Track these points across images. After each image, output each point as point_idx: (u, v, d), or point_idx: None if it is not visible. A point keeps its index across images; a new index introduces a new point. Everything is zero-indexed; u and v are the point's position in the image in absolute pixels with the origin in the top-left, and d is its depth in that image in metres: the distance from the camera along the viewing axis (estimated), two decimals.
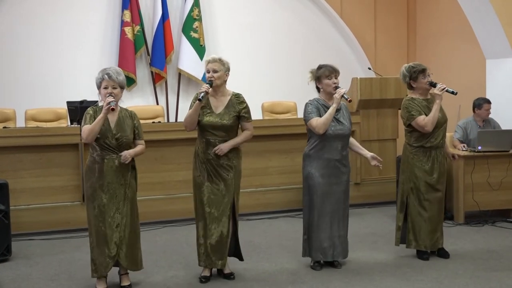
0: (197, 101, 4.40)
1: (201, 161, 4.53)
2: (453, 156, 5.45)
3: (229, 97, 4.59)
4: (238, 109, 4.57)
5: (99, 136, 4.21)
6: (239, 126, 4.64)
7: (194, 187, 4.60)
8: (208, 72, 4.50)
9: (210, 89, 4.44)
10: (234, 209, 4.65)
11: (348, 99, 4.69)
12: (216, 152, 4.46)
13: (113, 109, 4.17)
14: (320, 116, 4.69)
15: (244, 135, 4.62)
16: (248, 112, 4.64)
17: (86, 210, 4.38)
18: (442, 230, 5.15)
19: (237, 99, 4.61)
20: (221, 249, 4.56)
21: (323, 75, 4.74)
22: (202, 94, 4.37)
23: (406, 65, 5.08)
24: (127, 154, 4.27)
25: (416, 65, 5.04)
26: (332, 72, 4.74)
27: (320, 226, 4.79)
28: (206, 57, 8.16)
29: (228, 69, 4.55)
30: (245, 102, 4.63)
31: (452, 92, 4.92)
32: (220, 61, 4.51)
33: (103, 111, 4.16)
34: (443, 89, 4.88)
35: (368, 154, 4.90)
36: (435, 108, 4.88)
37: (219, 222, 4.53)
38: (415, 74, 4.98)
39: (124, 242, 4.37)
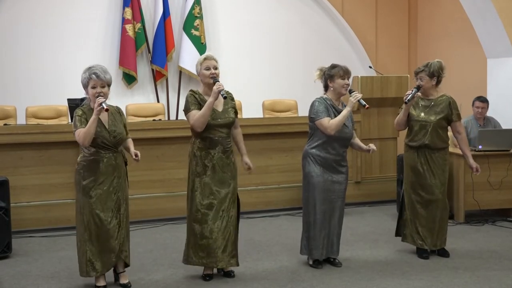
0: (211, 100, 4.35)
1: (204, 160, 4.50)
2: (477, 170, 5.20)
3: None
4: (233, 104, 4.63)
5: (95, 137, 4.16)
6: None
7: (196, 187, 4.53)
8: (208, 69, 4.48)
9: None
10: (239, 207, 4.66)
11: (366, 106, 4.70)
12: (251, 171, 4.68)
13: (107, 110, 4.13)
14: (329, 116, 4.71)
15: (242, 137, 4.71)
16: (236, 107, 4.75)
17: (81, 210, 4.27)
18: (440, 231, 5.15)
19: (229, 95, 4.63)
20: (232, 247, 4.57)
21: (338, 74, 4.76)
22: (223, 91, 4.35)
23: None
24: (138, 153, 4.35)
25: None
26: (346, 73, 4.78)
27: (320, 224, 4.79)
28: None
29: None
30: (234, 98, 4.69)
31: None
32: (216, 59, 4.53)
33: (95, 112, 4.08)
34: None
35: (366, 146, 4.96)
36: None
37: (227, 220, 4.53)
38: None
39: (125, 238, 4.38)
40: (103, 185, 4.26)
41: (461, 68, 8.30)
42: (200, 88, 4.59)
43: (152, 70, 8.36)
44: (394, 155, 7.30)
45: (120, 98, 7.85)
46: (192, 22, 8.31)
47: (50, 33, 7.94)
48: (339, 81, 4.75)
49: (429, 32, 9.26)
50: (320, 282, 4.55)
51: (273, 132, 6.92)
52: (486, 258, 5.11)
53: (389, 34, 9.42)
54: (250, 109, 7.52)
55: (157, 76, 8.35)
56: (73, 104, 6.49)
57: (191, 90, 4.59)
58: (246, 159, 4.70)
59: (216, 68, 4.49)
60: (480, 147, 6.35)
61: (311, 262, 4.91)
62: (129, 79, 8.22)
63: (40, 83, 7.87)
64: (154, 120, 7.08)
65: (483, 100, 6.82)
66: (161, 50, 8.21)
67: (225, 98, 4.38)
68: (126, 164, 4.45)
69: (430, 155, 5.06)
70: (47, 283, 4.58)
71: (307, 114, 4.90)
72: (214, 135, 4.49)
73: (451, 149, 5.97)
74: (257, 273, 4.77)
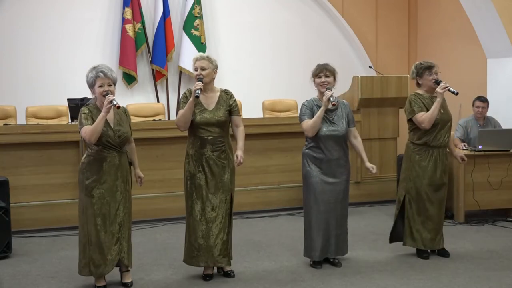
0: (189, 99, 4.38)
1: (196, 159, 4.50)
2: (462, 159, 5.33)
3: (218, 94, 4.60)
4: (229, 104, 4.60)
5: (100, 135, 4.15)
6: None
7: (190, 187, 4.53)
8: (196, 70, 4.48)
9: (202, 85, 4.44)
10: (231, 207, 4.63)
11: (332, 103, 4.58)
12: (240, 164, 4.55)
13: (118, 107, 4.15)
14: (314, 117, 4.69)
15: (242, 135, 4.65)
16: (237, 106, 4.68)
17: (84, 210, 4.27)
18: (441, 230, 5.14)
19: (227, 94, 4.63)
20: (224, 246, 4.55)
21: (313, 74, 4.76)
22: (198, 91, 4.35)
23: (416, 62, 5.12)
24: (142, 178, 4.52)
25: (424, 62, 5.04)
26: (321, 70, 4.72)
27: (316, 225, 4.77)
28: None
29: (216, 67, 4.53)
30: (234, 97, 4.65)
31: (453, 92, 4.90)
32: (208, 58, 4.50)
33: (105, 109, 4.09)
34: (445, 87, 4.86)
35: (366, 162, 4.87)
36: (434, 106, 4.86)
37: (220, 220, 4.51)
38: (421, 71, 4.99)
39: (125, 239, 4.37)
40: (106, 185, 4.24)
41: (461, 68, 8.29)
42: None
43: (152, 70, 8.36)
44: (394, 155, 7.29)
45: (120, 98, 7.79)
46: (192, 22, 8.32)
47: (50, 33, 7.95)
48: (316, 80, 4.74)
49: (429, 32, 9.26)
50: (320, 282, 4.55)
51: (273, 132, 6.92)
52: (486, 258, 5.11)
53: (389, 34, 9.43)
54: (250, 109, 7.52)
55: (157, 76, 8.36)
56: (73, 104, 6.50)
57: (187, 89, 4.61)
58: (238, 151, 4.57)
59: (204, 69, 4.46)
60: (480, 147, 6.35)
61: (311, 262, 4.90)
62: (129, 79, 8.23)
63: (40, 83, 7.88)
64: (154, 120, 7.08)
65: (483, 100, 6.82)
66: (161, 50, 8.21)
67: (197, 97, 4.35)
68: (130, 165, 4.45)
69: (444, 154, 5.03)
70: (47, 283, 4.58)
71: None
72: (204, 134, 4.47)
73: (458, 150, 5.99)
74: (257, 273, 4.77)
